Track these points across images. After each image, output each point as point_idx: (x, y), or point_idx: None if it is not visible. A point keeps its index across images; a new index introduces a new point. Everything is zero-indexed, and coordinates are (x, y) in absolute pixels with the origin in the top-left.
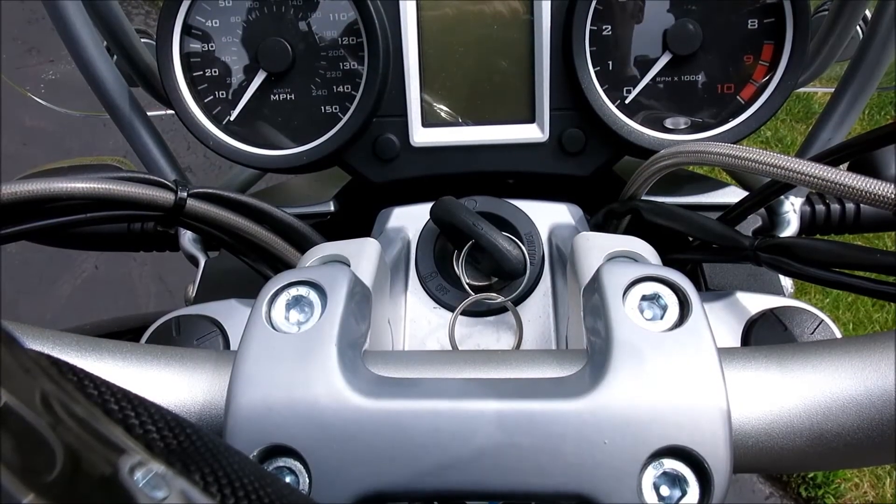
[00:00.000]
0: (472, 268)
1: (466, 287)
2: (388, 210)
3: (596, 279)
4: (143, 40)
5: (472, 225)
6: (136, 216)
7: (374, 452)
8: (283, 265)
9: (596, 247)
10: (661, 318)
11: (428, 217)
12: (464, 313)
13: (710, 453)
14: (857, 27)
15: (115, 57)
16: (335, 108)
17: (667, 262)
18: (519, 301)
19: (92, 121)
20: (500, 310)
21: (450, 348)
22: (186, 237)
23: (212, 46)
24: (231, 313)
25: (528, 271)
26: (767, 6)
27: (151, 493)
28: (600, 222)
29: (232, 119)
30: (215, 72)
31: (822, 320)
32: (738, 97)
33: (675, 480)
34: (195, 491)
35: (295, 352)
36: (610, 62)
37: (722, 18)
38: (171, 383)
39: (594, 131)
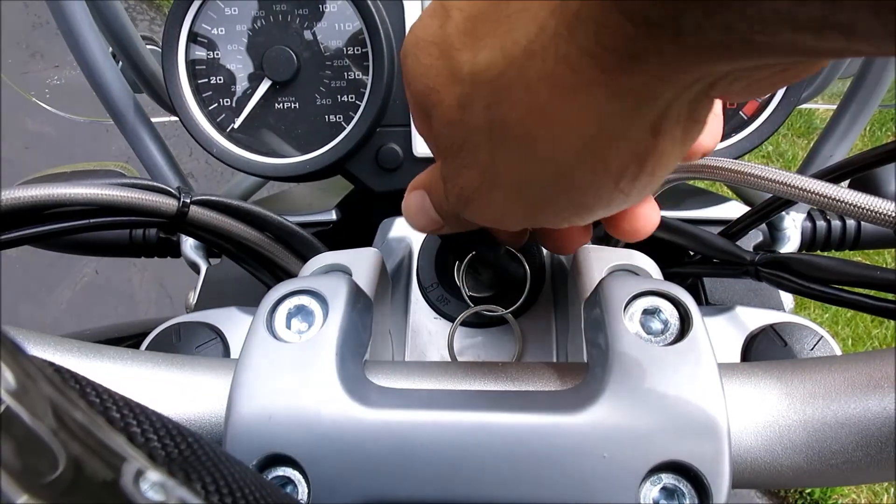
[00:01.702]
0: (474, 279)
1: (466, 298)
2: (390, 220)
3: (597, 293)
4: (148, 47)
5: (471, 236)
6: (138, 223)
7: (373, 463)
8: (284, 273)
9: (597, 260)
10: (662, 332)
11: None
12: (465, 324)
13: (709, 469)
14: None
15: (121, 63)
16: (339, 118)
17: (667, 275)
18: (520, 313)
19: (95, 126)
20: (501, 321)
21: (450, 359)
22: (188, 244)
23: (217, 54)
24: (232, 321)
25: (528, 284)
26: None
27: (153, 502)
28: (601, 235)
29: (236, 127)
30: (220, 79)
31: (822, 336)
32: (740, 113)
33: (674, 495)
34: (197, 500)
35: (295, 361)
36: None
37: None
38: (171, 391)
39: None
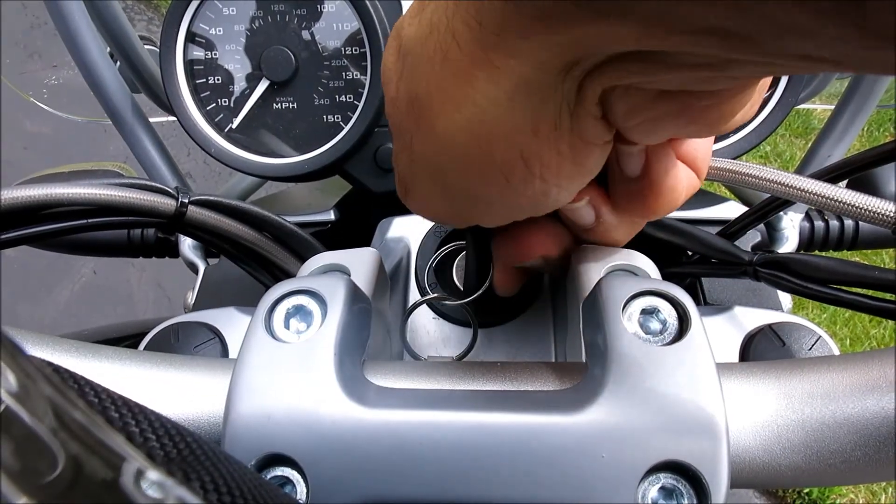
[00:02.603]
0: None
1: (427, 288)
2: (388, 220)
3: (595, 293)
4: (146, 47)
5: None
6: (137, 223)
7: (372, 463)
8: (282, 273)
9: (595, 260)
10: (661, 332)
11: (428, 227)
12: (457, 322)
13: (707, 469)
14: None
15: (119, 63)
16: (337, 118)
17: (666, 275)
18: (518, 313)
19: (93, 126)
20: (494, 322)
21: (448, 359)
22: (186, 244)
23: (215, 54)
24: (230, 321)
25: (489, 279)
26: None
27: (153, 501)
28: None
29: (234, 127)
30: (218, 79)
31: (820, 336)
32: None
33: (673, 495)
34: (195, 499)
35: (294, 361)
36: None
37: None
38: (169, 391)
39: None
